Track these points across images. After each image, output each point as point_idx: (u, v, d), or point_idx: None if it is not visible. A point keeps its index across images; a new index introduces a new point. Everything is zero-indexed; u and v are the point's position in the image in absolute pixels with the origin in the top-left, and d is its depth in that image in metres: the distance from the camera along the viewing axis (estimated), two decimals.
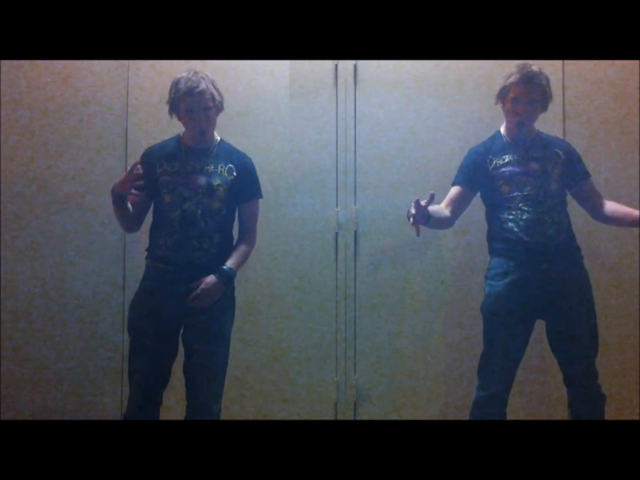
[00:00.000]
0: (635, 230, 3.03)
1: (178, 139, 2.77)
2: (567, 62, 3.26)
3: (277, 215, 3.33)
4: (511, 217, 2.74)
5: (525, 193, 2.73)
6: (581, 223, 2.94)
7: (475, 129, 3.28)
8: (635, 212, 2.79)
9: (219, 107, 2.72)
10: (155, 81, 3.38)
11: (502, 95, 2.79)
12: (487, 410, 2.71)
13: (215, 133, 2.77)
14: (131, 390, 2.62)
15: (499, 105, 2.85)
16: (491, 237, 2.84)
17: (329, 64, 3.36)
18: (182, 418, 2.64)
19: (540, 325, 2.76)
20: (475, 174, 2.84)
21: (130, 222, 2.73)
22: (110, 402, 3.29)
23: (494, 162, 2.81)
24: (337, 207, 3.34)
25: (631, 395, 3.15)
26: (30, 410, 3.32)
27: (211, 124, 2.70)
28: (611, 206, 2.86)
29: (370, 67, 3.35)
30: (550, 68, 3.14)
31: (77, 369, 3.34)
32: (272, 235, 3.33)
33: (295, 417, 3.28)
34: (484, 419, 2.69)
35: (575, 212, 2.89)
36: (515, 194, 2.75)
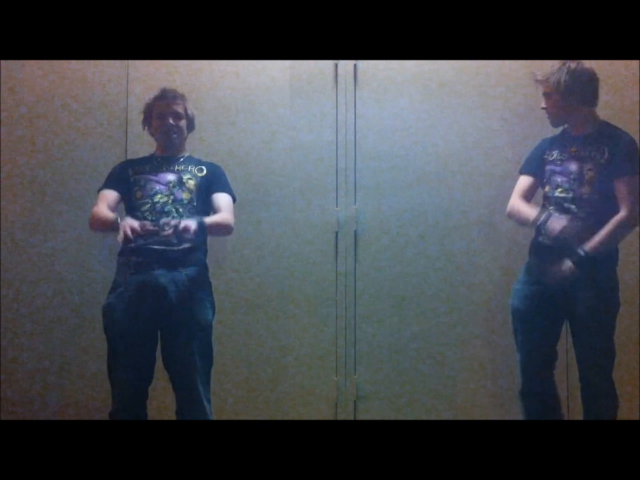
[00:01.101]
0: (636, 230, 3.02)
1: (151, 153, 2.90)
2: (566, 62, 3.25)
3: (277, 215, 3.33)
4: (543, 218, 2.67)
5: (557, 195, 2.69)
6: None
7: (475, 129, 3.29)
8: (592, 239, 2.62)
9: (190, 121, 2.85)
10: (155, 81, 3.37)
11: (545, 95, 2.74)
12: (539, 405, 2.74)
13: (186, 149, 2.89)
14: (114, 389, 2.63)
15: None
16: (534, 235, 2.78)
17: (329, 64, 3.36)
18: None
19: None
20: (536, 164, 2.80)
21: (106, 227, 2.75)
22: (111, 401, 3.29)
23: (546, 156, 2.77)
24: (337, 207, 3.34)
25: (631, 395, 3.15)
26: (30, 410, 3.32)
27: (181, 131, 2.82)
28: (609, 223, 2.63)
29: (370, 67, 3.35)
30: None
31: (78, 369, 3.34)
32: (272, 235, 3.33)
33: (295, 417, 3.28)
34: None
35: None
36: (550, 194, 2.72)
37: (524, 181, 2.83)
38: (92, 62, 3.37)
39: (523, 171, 2.86)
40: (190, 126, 2.87)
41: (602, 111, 3.23)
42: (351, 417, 3.29)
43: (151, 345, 2.66)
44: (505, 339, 2.98)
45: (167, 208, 2.70)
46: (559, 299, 2.67)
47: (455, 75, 3.33)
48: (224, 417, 3.13)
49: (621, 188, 2.62)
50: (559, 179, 2.70)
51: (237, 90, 3.38)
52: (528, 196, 2.82)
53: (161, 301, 2.61)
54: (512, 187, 2.89)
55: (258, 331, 3.33)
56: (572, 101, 2.66)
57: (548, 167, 2.75)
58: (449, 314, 3.28)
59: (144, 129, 2.90)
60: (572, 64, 2.65)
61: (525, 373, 2.77)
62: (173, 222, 2.60)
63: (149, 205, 2.71)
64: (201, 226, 2.64)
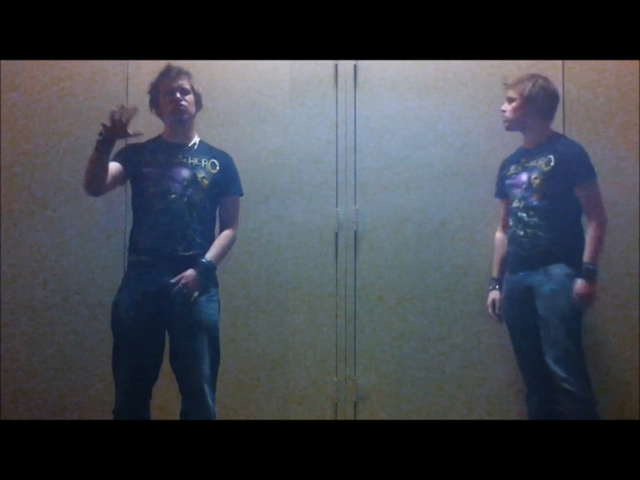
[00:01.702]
0: (636, 230, 3.03)
1: (159, 137, 2.80)
2: (567, 62, 3.26)
3: (277, 215, 3.33)
4: (509, 232, 2.88)
5: (514, 206, 2.84)
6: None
7: (475, 129, 3.29)
8: (586, 253, 2.70)
9: (198, 98, 2.76)
10: None
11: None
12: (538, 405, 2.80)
13: (196, 134, 2.81)
14: (118, 388, 2.62)
15: (498, 106, 2.88)
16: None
17: (329, 64, 3.36)
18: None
19: None
20: (501, 185, 2.99)
21: (101, 180, 2.62)
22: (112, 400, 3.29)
23: (505, 173, 2.95)
24: (337, 207, 3.34)
25: (631, 395, 3.15)
26: (30, 410, 3.32)
27: (190, 108, 2.73)
28: (591, 232, 2.73)
29: (370, 67, 3.35)
30: (550, 68, 3.15)
31: (77, 368, 3.34)
32: (272, 235, 3.33)
33: (295, 417, 3.28)
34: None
35: None
36: (510, 208, 2.89)
37: (501, 206, 3.03)
38: (92, 62, 3.37)
39: (497, 195, 3.05)
40: (199, 104, 2.78)
41: (602, 111, 3.23)
42: (351, 417, 3.29)
43: (157, 345, 2.64)
44: (505, 339, 2.98)
45: (181, 211, 2.63)
46: (526, 303, 2.79)
47: (455, 75, 3.33)
48: (225, 417, 3.13)
49: (583, 193, 2.75)
50: (515, 191, 2.86)
51: (237, 90, 3.38)
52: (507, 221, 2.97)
53: (168, 302, 2.59)
54: None
55: (258, 331, 3.33)
56: (531, 110, 2.79)
57: (507, 182, 2.92)
58: (448, 314, 3.28)
59: (151, 110, 2.77)
60: (541, 79, 2.79)
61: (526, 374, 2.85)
62: (173, 280, 2.58)
63: (162, 205, 2.64)
64: (205, 272, 2.65)
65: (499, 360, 3.18)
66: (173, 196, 2.65)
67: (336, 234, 3.33)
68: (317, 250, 3.33)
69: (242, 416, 3.27)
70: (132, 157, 2.72)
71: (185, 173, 2.69)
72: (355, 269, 3.32)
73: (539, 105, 2.77)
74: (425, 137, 3.33)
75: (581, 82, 3.27)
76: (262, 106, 3.38)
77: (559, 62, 3.24)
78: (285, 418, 3.27)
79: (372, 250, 3.33)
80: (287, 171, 3.35)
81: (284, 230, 3.34)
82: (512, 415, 3.10)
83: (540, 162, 2.77)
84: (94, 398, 3.29)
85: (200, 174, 2.70)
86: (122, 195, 3.16)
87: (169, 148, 2.74)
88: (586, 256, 2.70)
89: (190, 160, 2.72)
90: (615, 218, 3.08)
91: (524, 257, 2.78)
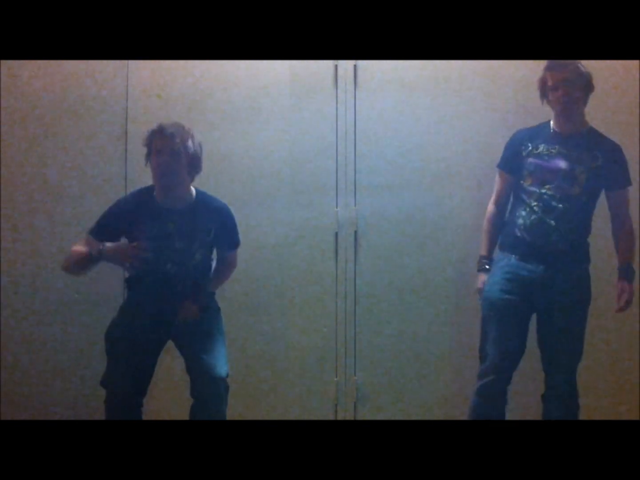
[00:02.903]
0: (636, 230, 3.03)
1: (150, 194, 2.68)
2: None
3: (277, 215, 3.33)
4: (524, 213, 2.69)
5: (543, 191, 2.66)
6: None
7: (475, 128, 3.29)
8: (623, 255, 2.72)
9: (193, 162, 2.60)
10: (155, 81, 3.38)
11: (542, 88, 2.71)
12: (486, 399, 2.71)
13: (192, 188, 2.70)
14: (110, 393, 2.64)
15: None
16: (505, 229, 2.79)
17: (329, 64, 3.36)
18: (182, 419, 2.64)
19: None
20: (513, 159, 2.76)
21: (85, 269, 2.68)
22: None
23: (529, 149, 2.72)
24: (337, 207, 3.34)
25: (631, 395, 3.15)
26: (30, 410, 3.32)
27: (183, 174, 2.58)
28: (622, 237, 2.75)
29: (370, 67, 3.35)
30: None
31: (77, 368, 3.34)
32: (272, 235, 3.33)
33: (295, 417, 3.28)
34: (484, 408, 2.70)
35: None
36: (534, 189, 2.68)
37: (503, 180, 2.81)
38: (92, 62, 3.37)
39: (503, 167, 2.82)
40: (195, 167, 2.62)
41: (602, 111, 3.23)
42: (351, 418, 3.29)
43: (151, 363, 2.70)
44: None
45: (175, 281, 2.66)
46: (531, 295, 2.68)
47: (456, 75, 3.33)
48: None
49: (621, 200, 2.73)
50: (547, 175, 2.67)
51: (237, 90, 3.38)
52: (505, 200, 2.82)
53: (167, 320, 2.66)
54: None
55: (258, 331, 3.33)
56: (580, 93, 2.65)
57: (532, 160, 2.70)
58: (448, 314, 3.28)
59: (146, 165, 2.66)
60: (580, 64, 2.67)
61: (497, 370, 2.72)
62: (180, 315, 2.63)
63: (160, 274, 2.64)
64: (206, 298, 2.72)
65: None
66: (170, 267, 2.65)
67: (336, 234, 3.33)
68: (317, 250, 3.33)
69: (242, 416, 3.26)
70: (119, 224, 2.65)
71: (178, 245, 2.64)
72: (355, 269, 3.32)
73: (588, 87, 2.66)
74: (425, 137, 3.33)
75: None
76: (262, 106, 3.38)
77: None
78: (285, 418, 3.27)
79: (372, 250, 3.33)
80: (287, 171, 3.35)
81: (284, 230, 3.34)
82: (512, 416, 3.10)
83: (586, 156, 2.66)
84: (94, 398, 3.28)
85: (195, 245, 2.66)
86: (122, 196, 3.16)
87: (160, 214, 2.63)
88: (628, 257, 2.69)
89: (185, 230, 2.64)
90: None
91: (545, 248, 2.64)
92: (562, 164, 2.66)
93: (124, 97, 3.38)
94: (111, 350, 2.67)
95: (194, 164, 2.62)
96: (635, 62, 3.22)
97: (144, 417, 2.72)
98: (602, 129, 3.13)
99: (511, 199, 2.81)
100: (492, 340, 2.71)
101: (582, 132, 2.72)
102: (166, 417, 3.16)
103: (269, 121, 3.37)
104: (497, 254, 2.82)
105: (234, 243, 2.84)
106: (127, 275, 2.82)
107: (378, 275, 3.32)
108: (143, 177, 3.05)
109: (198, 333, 2.65)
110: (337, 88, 3.36)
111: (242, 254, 3.25)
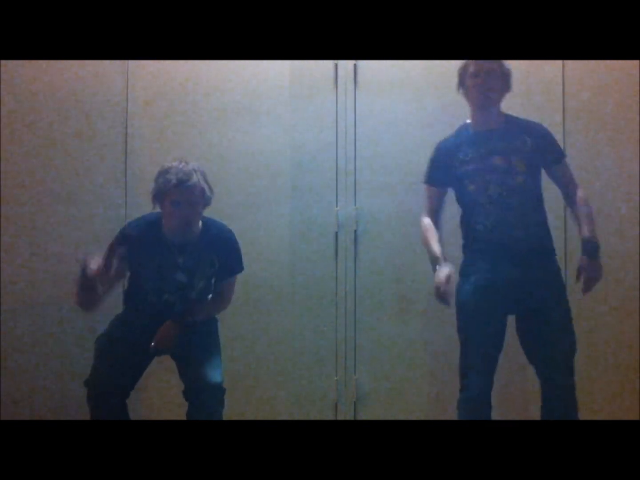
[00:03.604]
0: (636, 230, 3.03)
1: (158, 226, 2.66)
2: (567, 62, 3.26)
3: (277, 215, 3.33)
4: (480, 218, 2.63)
5: (490, 192, 2.61)
6: None
7: None
8: (582, 229, 2.62)
9: (207, 203, 2.63)
10: (155, 81, 3.38)
11: (462, 75, 2.70)
12: (472, 411, 2.61)
13: (199, 228, 2.70)
14: (93, 393, 2.63)
15: (502, 106, 2.85)
16: (465, 236, 2.73)
17: (329, 64, 3.36)
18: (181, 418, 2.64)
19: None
20: (445, 173, 2.72)
21: (94, 295, 2.54)
22: None
23: (460, 158, 2.67)
24: (337, 207, 3.34)
25: (631, 395, 3.15)
26: (30, 410, 3.32)
27: (197, 219, 2.63)
28: (578, 207, 2.66)
29: (370, 67, 3.35)
30: (550, 68, 3.15)
31: (78, 368, 3.33)
32: (272, 235, 3.33)
33: (295, 417, 3.28)
34: (470, 419, 2.60)
35: None
36: (481, 193, 2.63)
37: (433, 193, 2.76)
38: (92, 62, 3.38)
39: (432, 182, 2.77)
40: (205, 200, 2.61)
41: (602, 112, 3.23)
42: (351, 417, 3.29)
43: (137, 374, 2.72)
44: (506, 339, 2.97)
45: (175, 306, 2.70)
46: (505, 294, 2.60)
47: (455, 75, 3.32)
48: (224, 417, 3.13)
49: (559, 174, 2.69)
50: (487, 176, 2.62)
51: (237, 90, 3.38)
52: (439, 210, 2.76)
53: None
54: None
55: (258, 331, 3.33)
56: (499, 87, 2.66)
57: (468, 168, 2.65)
58: (448, 314, 3.27)
59: (153, 207, 2.64)
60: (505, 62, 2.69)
61: (471, 372, 2.63)
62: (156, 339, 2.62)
63: (161, 306, 2.70)
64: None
65: (499, 360, 3.17)
66: (166, 296, 2.68)
67: (336, 234, 3.33)
68: (317, 250, 3.33)
69: (242, 416, 3.27)
70: (121, 252, 2.57)
71: (181, 277, 2.68)
72: (355, 269, 3.32)
73: (508, 77, 2.67)
74: (425, 136, 3.33)
75: (581, 82, 3.27)
76: (262, 106, 3.38)
77: (559, 62, 3.25)
78: (285, 418, 3.28)
79: (372, 250, 3.33)
80: (287, 171, 3.35)
81: (284, 230, 3.34)
82: (513, 416, 3.10)
83: (516, 143, 2.63)
84: None
85: (197, 277, 2.69)
86: (122, 197, 3.17)
87: (170, 248, 2.65)
88: (585, 232, 2.58)
89: (188, 263, 2.67)
90: (616, 218, 3.09)
91: (512, 246, 2.57)
92: (497, 160, 2.62)
93: (124, 97, 3.38)
94: (98, 356, 2.69)
95: (206, 202, 2.64)
96: (635, 62, 3.21)
97: (144, 418, 2.72)
98: (602, 129, 3.14)
99: (461, 210, 2.74)
100: (474, 349, 2.62)
101: (501, 123, 2.69)
102: (166, 418, 3.16)
103: (269, 121, 3.37)
104: (463, 261, 2.73)
105: (235, 270, 2.82)
106: (125, 287, 2.81)
107: (378, 275, 3.32)
108: (143, 177, 3.06)
109: (193, 341, 2.65)
110: (337, 88, 3.36)
111: (242, 253, 3.26)
